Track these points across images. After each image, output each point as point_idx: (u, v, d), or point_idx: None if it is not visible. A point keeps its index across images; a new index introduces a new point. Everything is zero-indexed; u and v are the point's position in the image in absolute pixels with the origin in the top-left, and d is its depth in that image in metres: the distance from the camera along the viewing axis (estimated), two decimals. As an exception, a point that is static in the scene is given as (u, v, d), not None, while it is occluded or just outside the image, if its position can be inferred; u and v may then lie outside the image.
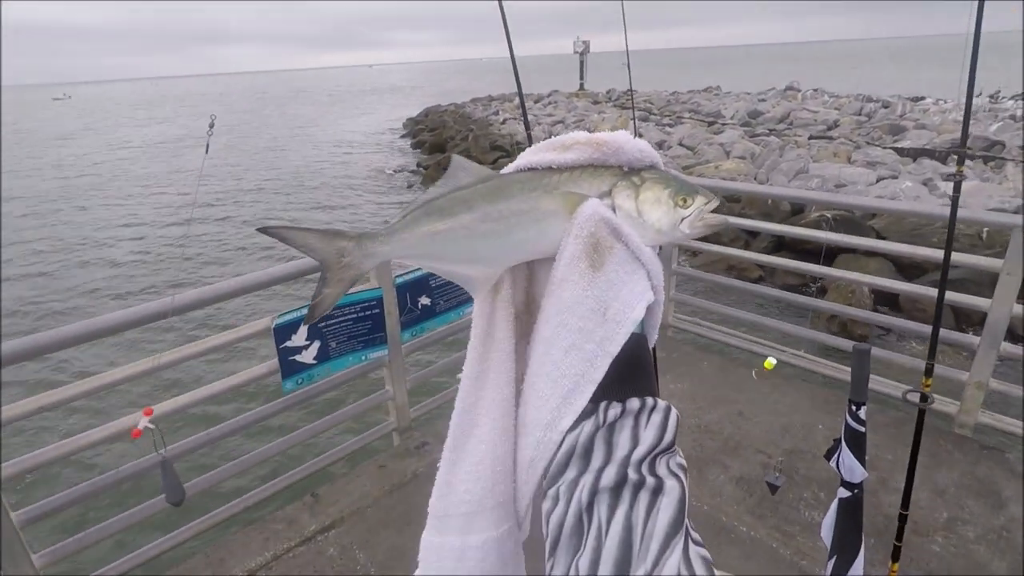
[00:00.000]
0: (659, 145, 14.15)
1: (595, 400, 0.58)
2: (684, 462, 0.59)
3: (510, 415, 0.68)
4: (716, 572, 0.53)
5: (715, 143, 13.55)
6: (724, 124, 16.71)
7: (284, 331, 2.41)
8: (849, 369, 1.44)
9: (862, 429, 1.44)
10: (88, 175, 22.47)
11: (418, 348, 2.96)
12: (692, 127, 15.91)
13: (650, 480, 0.52)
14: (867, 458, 1.46)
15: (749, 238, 8.69)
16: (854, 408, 1.43)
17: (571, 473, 0.55)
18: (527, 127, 1.32)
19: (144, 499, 2.21)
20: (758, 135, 14.65)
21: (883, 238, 7.35)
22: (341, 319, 2.57)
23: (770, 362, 2.91)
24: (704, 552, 0.53)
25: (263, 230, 0.67)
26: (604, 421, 0.57)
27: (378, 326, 2.70)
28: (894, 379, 2.95)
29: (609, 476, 0.53)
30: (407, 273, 2.74)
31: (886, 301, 6.84)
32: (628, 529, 0.50)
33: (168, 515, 2.26)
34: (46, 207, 16.93)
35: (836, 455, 1.49)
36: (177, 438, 2.25)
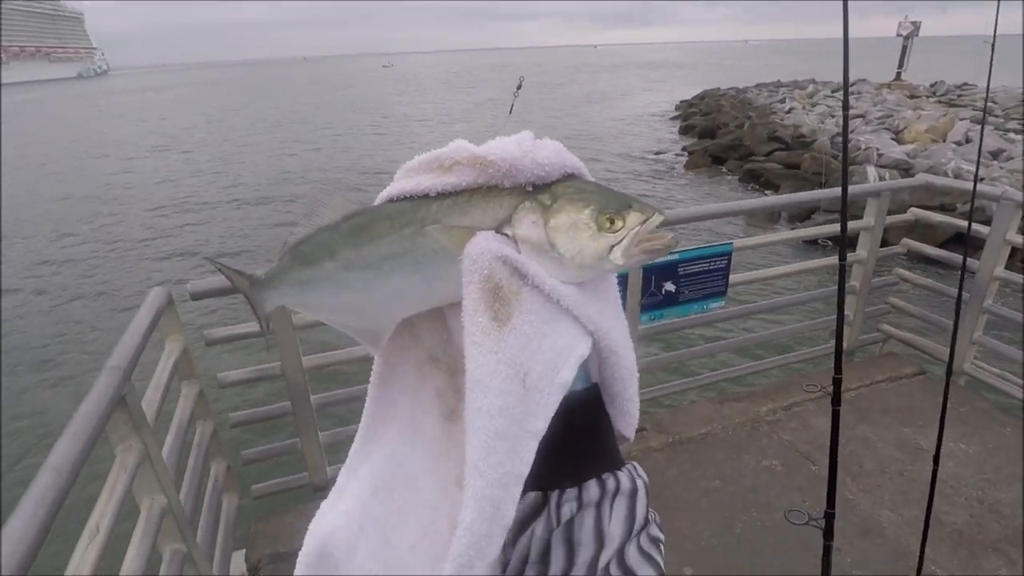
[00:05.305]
0: (993, 155, 11.39)
1: (543, 488, 0.46)
2: (660, 534, 0.47)
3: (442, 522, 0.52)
4: None
5: (1088, 159, 10.40)
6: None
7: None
8: None
9: None
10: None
11: (654, 333, 2.90)
12: (1055, 135, 12.43)
13: None
14: None
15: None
16: None
17: None
18: (845, 125, 1.15)
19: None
20: None
21: None
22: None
23: None
24: None
25: (209, 260, 0.76)
26: (559, 520, 0.46)
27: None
28: None
29: None
30: (657, 256, 2.69)
31: None
32: None
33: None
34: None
35: None
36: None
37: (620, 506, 0.46)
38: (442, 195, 0.51)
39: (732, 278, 2.86)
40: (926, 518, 1.42)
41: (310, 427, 2.39)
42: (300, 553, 0.55)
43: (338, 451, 2.57)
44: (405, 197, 0.52)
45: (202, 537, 1.88)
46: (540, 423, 0.44)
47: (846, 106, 1.13)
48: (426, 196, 0.51)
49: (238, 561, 2.21)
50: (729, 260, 2.80)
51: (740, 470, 2.58)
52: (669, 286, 2.79)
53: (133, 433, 1.47)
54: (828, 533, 1.23)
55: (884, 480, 2.50)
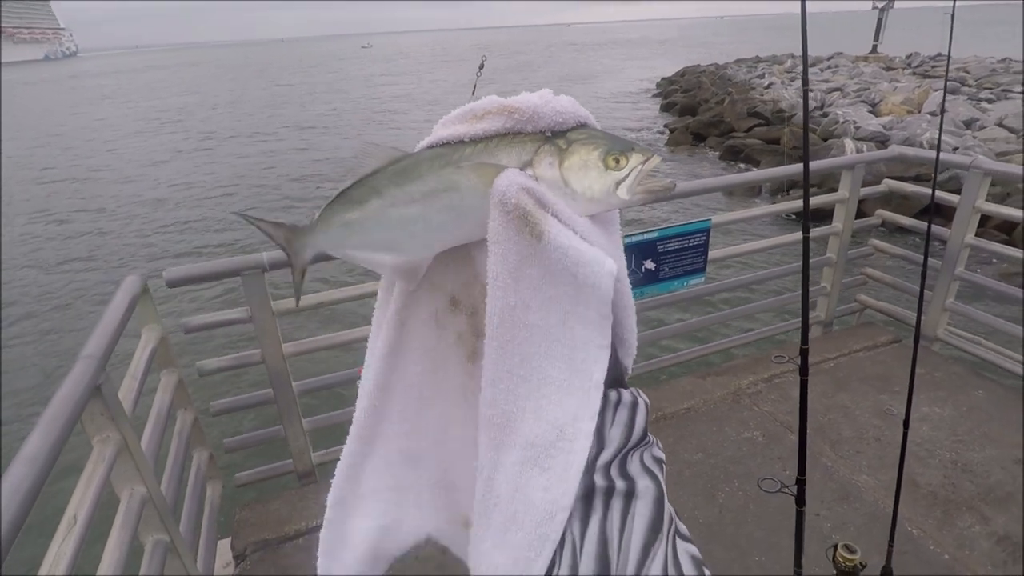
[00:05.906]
0: (967, 124, 11.54)
1: None
2: (662, 455, 0.53)
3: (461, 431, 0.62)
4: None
5: (1056, 127, 10.58)
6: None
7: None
8: None
9: None
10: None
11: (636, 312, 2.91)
12: (1024, 104, 12.59)
13: (620, 484, 0.48)
14: None
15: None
16: None
17: None
18: (806, 98, 1.16)
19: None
20: None
21: None
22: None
23: None
24: (692, 549, 0.49)
25: (239, 214, 0.75)
26: None
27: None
28: None
29: None
30: (637, 235, 2.70)
31: None
32: (603, 543, 0.47)
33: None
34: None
35: None
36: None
37: (621, 414, 0.52)
38: (475, 140, 0.57)
39: (711, 254, 2.87)
40: (898, 481, 1.46)
41: (293, 414, 2.38)
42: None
43: (322, 437, 2.57)
44: (443, 144, 0.59)
45: (185, 526, 1.87)
46: (604, 307, 0.52)
47: (805, 82, 1.16)
48: (461, 142, 0.58)
49: (223, 549, 2.21)
50: (708, 236, 2.82)
51: (722, 442, 2.62)
52: (649, 264, 2.79)
53: (110, 423, 1.45)
54: (800, 499, 1.26)
55: (862, 446, 2.55)
